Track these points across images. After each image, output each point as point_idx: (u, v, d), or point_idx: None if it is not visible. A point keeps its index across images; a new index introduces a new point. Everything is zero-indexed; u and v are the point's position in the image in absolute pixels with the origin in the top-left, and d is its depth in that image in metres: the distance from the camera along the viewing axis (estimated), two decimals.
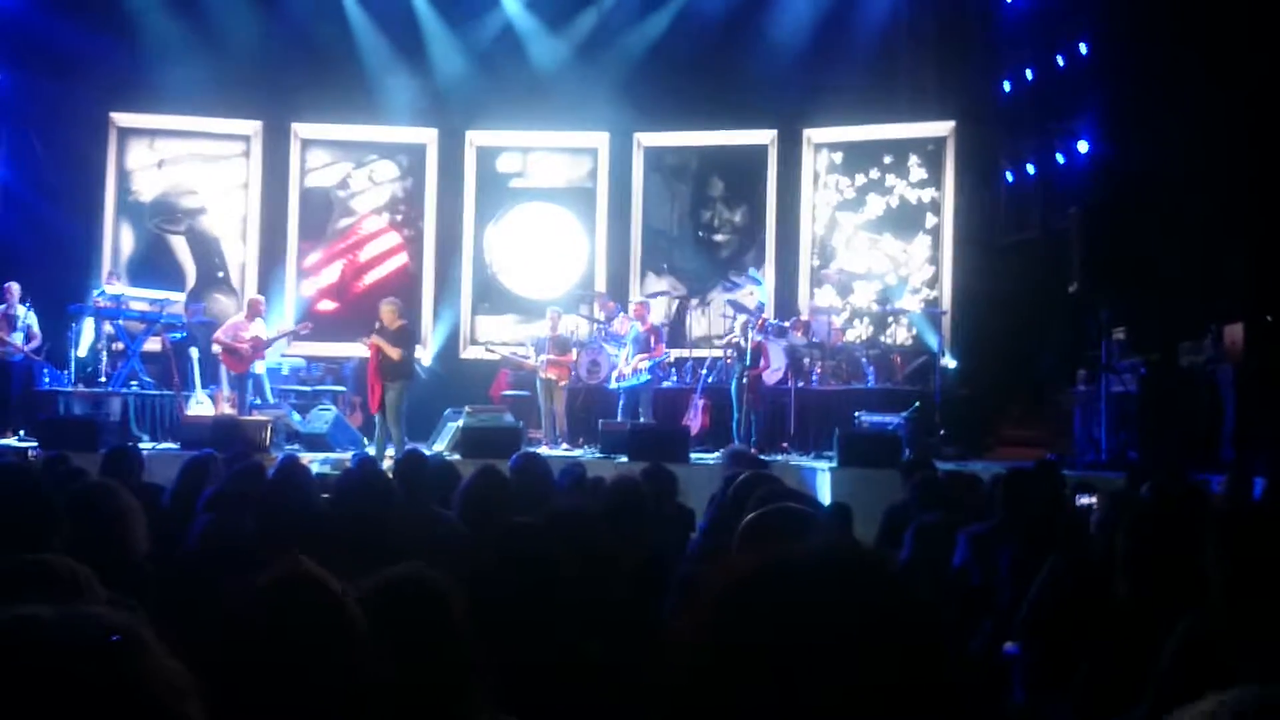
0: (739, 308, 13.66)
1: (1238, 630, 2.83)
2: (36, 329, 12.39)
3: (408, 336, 11.79)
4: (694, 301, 15.63)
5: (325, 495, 5.87)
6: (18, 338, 12.21)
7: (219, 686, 1.69)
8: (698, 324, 15.60)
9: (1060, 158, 12.97)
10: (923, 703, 0.94)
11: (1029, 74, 13.65)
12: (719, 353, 13.55)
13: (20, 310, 12.30)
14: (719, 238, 16.05)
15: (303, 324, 13.27)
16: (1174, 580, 3.35)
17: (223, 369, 12.72)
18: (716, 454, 11.60)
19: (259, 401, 12.78)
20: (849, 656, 0.93)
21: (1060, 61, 12.98)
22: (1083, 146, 12.46)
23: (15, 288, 12.32)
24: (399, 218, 16.34)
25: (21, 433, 11.71)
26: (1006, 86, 14.08)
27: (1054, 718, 3.89)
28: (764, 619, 0.96)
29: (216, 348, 12.51)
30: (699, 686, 0.95)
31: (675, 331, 15.12)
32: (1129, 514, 3.70)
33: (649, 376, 12.77)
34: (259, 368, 12.75)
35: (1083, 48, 12.59)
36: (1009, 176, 14.03)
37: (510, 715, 1.94)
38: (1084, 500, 6.20)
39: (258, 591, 1.80)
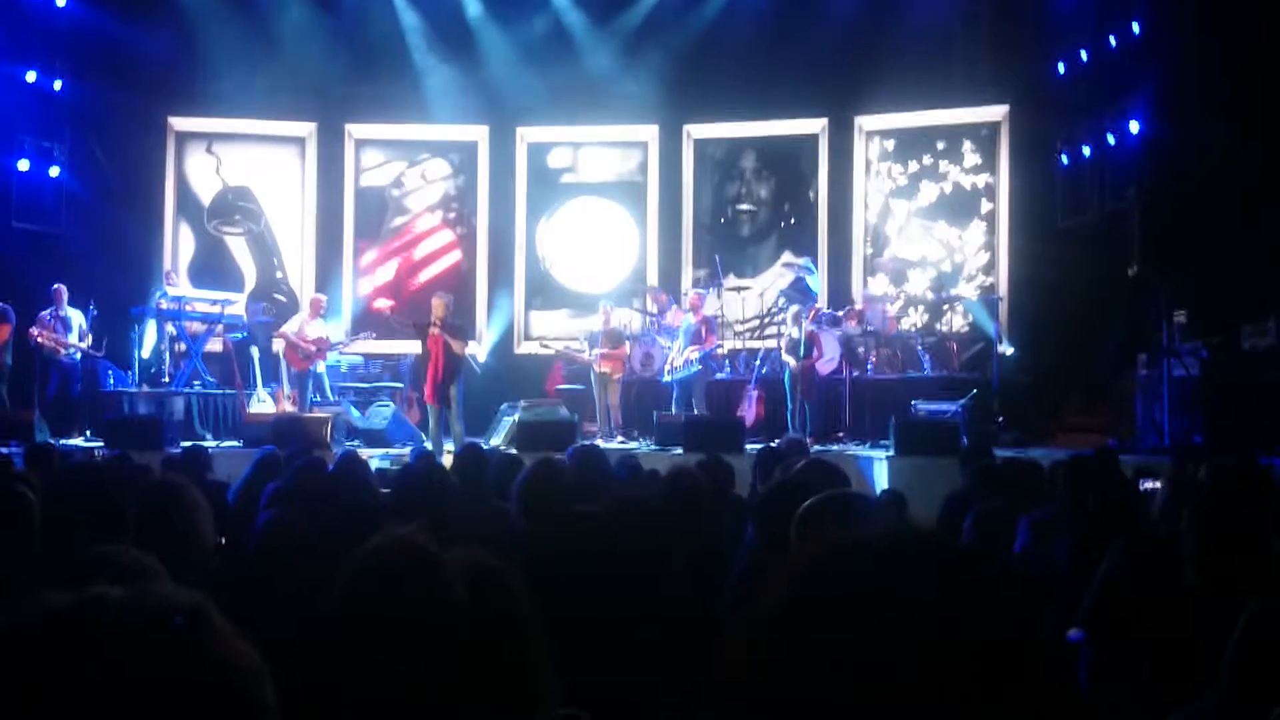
0: (791, 298, 13.60)
1: None
2: (87, 329, 12.66)
3: (463, 330, 11.92)
4: (743, 291, 15.57)
5: (385, 490, 5.95)
6: (73, 338, 12.50)
7: (314, 665, 1.72)
8: (745, 311, 15.54)
9: (1113, 139, 12.76)
10: (1009, 683, 0.94)
11: (1083, 55, 13.45)
12: (772, 344, 13.51)
13: (70, 312, 12.58)
14: (769, 228, 15.99)
15: (368, 334, 13.50)
16: (1242, 565, 3.30)
17: (284, 367, 12.90)
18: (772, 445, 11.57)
19: (319, 399, 12.94)
20: (927, 638, 0.93)
21: (1113, 42, 12.78)
22: (1135, 127, 12.25)
23: (64, 290, 12.59)
24: (452, 215, 16.47)
25: (88, 433, 11.97)
26: (1060, 68, 13.87)
27: (1119, 706, 3.84)
28: (839, 605, 0.96)
29: (280, 344, 12.70)
30: (773, 677, 0.95)
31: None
32: (1194, 498, 3.65)
33: (699, 367, 12.76)
34: (320, 366, 12.92)
35: (1135, 27, 12.38)
36: (1064, 159, 13.82)
37: (571, 708, 1.95)
38: (1147, 485, 6.11)
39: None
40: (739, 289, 15.43)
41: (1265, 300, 10.54)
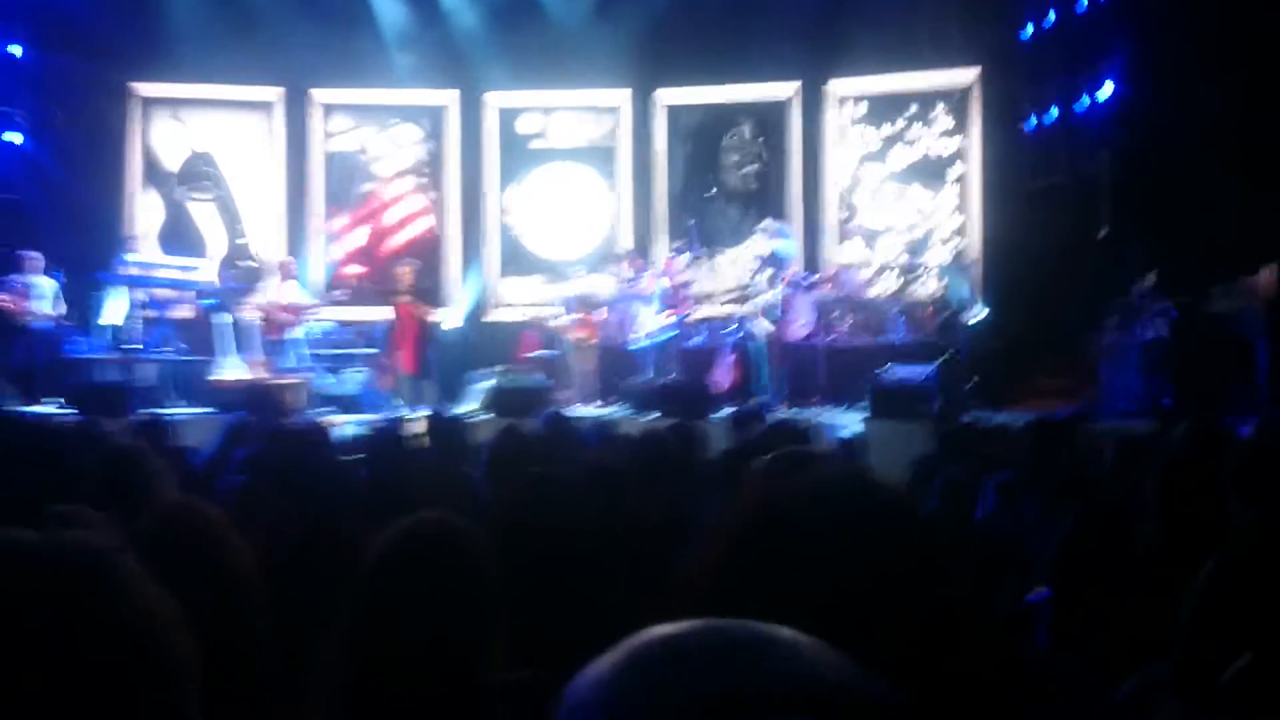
0: (765, 262, 13.62)
1: (1262, 575, 2.82)
2: (59, 296, 12.57)
3: (432, 296, 11.89)
4: (718, 256, 15.56)
5: (359, 456, 5.95)
6: (45, 305, 12.38)
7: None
8: (721, 278, 15.53)
9: (1084, 100, 12.78)
10: (940, 625, 0.94)
11: (1052, 16, 13.44)
12: (747, 309, 13.51)
13: (40, 280, 12.46)
14: (742, 192, 15.95)
15: (341, 293, 13.44)
16: (1203, 527, 3.33)
17: (257, 333, 12.84)
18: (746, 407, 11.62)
19: (294, 365, 12.91)
20: (870, 584, 0.93)
21: (1084, 3, 12.77)
22: (1106, 89, 12.27)
23: (33, 256, 12.47)
24: (423, 181, 16.34)
25: (62, 400, 11.87)
26: (1029, 30, 13.87)
27: (1077, 666, 3.89)
28: (775, 546, 0.96)
29: (256, 314, 12.64)
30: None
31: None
32: (1156, 460, 3.68)
33: (675, 331, 12.77)
34: (298, 332, 12.87)
35: None
36: (1034, 121, 13.84)
37: (527, 668, 1.96)
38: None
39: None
40: (714, 254, 15.43)
41: (1234, 263, 10.62)
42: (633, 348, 13.07)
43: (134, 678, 0.90)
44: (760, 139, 15.83)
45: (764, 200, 15.79)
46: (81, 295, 12.92)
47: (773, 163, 15.78)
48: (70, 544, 0.94)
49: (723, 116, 15.93)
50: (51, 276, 12.57)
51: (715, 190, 15.98)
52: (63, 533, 0.98)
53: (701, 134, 16.01)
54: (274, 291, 12.71)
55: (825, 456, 2.82)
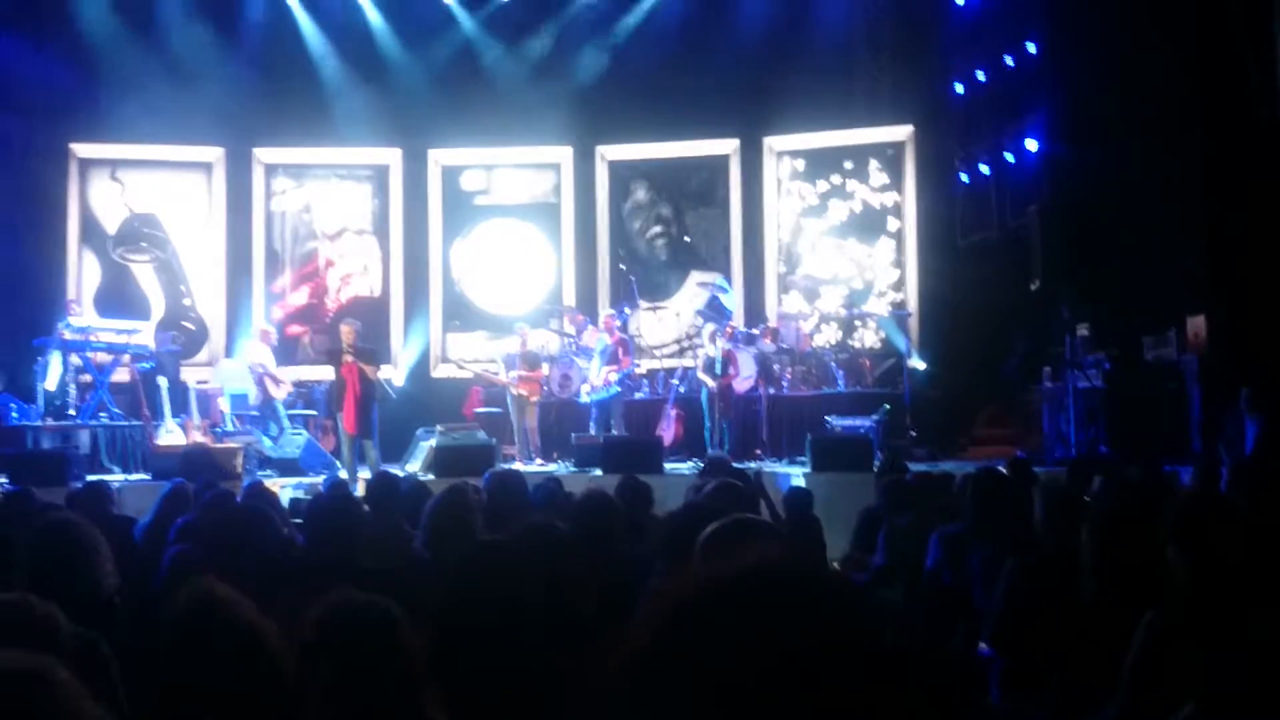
0: (707, 316, 13.71)
1: (1202, 623, 2.87)
2: None
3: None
4: (657, 310, 15.66)
5: (297, 520, 5.85)
6: None
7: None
8: (660, 331, 15.62)
9: (1011, 158, 13.09)
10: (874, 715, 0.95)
11: (980, 76, 13.79)
12: (689, 362, 13.58)
13: None
14: (680, 248, 16.09)
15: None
16: (1140, 577, 3.39)
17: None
18: (690, 463, 11.63)
19: (233, 429, 12.76)
20: (795, 672, 0.94)
21: (1010, 62, 13.11)
22: (1032, 145, 12.58)
23: None
24: (365, 239, 16.30)
25: None
26: (959, 89, 14.21)
27: (1030, 718, 3.92)
28: (708, 634, 0.97)
29: (253, 377, 12.77)
30: (647, 701, 0.96)
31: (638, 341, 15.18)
32: (1089, 514, 3.74)
33: (619, 389, 12.79)
34: (280, 395, 12.94)
35: (1031, 47, 12.71)
36: (964, 178, 14.15)
37: None
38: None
39: (173, 617, 1.80)
40: (655, 308, 15.52)
41: (1164, 312, 10.87)
42: (578, 401, 13.07)
43: None
44: (701, 194, 15.99)
45: (705, 254, 15.95)
46: (20, 360, 12.67)
47: (713, 217, 15.94)
48: (4, 665, 0.93)
49: (662, 172, 16.10)
50: None
51: (656, 245, 16.09)
52: None
53: (642, 190, 16.15)
54: (263, 356, 12.76)
55: (768, 529, 2.83)
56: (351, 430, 11.31)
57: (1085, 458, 9.19)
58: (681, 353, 14.77)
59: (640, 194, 16.10)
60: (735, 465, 9.15)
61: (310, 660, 1.80)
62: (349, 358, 11.30)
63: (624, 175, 16.15)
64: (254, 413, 13.08)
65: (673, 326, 15.02)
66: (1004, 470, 6.19)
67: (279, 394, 12.88)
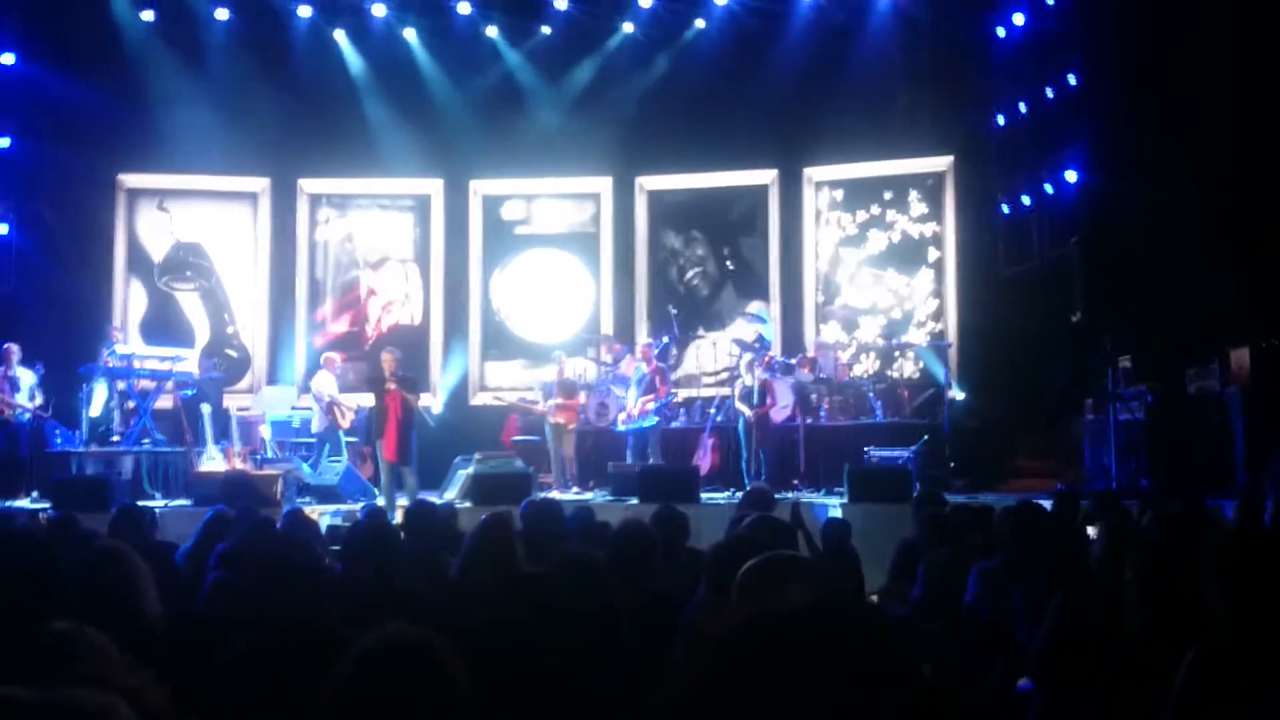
0: (744, 346, 13.71)
1: (1244, 662, 2.82)
2: (37, 388, 12.50)
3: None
4: (696, 340, 15.67)
5: (335, 548, 5.90)
6: (21, 398, 12.33)
7: None
8: (700, 361, 15.63)
9: (1051, 189, 13.03)
10: None
11: (1022, 107, 13.76)
12: (727, 392, 13.56)
13: (20, 371, 12.41)
14: (717, 279, 16.12)
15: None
16: (1184, 613, 3.34)
17: (233, 423, 12.83)
18: (727, 493, 11.60)
19: (273, 455, 12.88)
20: (833, 712, 0.95)
21: (1050, 93, 13.09)
22: (1072, 177, 12.52)
23: (15, 349, 12.43)
24: (406, 268, 16.46)
25: (35, 494, 11.76)
26: (1000, 120, 14.18)
27: None
28: (751, 673, 0.98)
29: (320, 406, 12.79)
30: None
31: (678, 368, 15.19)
32: (1135, 549, 3.70)
33: (656, 419, 12.80)
34: (344, 423, 12.97)
35: (1071, 79, 12.68)
36: (1005, 209, 14.10)
37: None
38: (1092, 531, 6.17)
39: (357, 658, 1.81)
40: (695, 339, 15.54)
41: (1206, 344, 10.75)
42: (615, 430, 13.08)
43: None
44: (740, 224, 16.03)
45: (744, 284, 15.97)
46: (67, 387, 12.87)
47: (752, 248, 15.96)
48: (68, 706, 0.95)
49: (701, 201, 16.15)
50: (30, 368, 12.53)
51: (696, 275, 16.14)
52: (60, 691, 0.98)
53: (681, 220, 16.22)
54: (330, 385, 12.84)
55: (804, 565, 2.83)
56: (392, 458, 11.38)
57: (1149, 492, 9.10)
58: (721, 383, 14.78)
59: (675, 240, 16.16)
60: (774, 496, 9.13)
61: (350, 694, 1.81)
62: (391, 385, 11.41)
63: (660, 218, 16.20)
64: (311, 439, 13.18)
65: (711, 356, 15.08)
66: (1045, 504, 6.14)
67: (344, 423, 12.89)
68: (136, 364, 12.93)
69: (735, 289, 15.98)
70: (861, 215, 15.42)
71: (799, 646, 0.98)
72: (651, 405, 12.76)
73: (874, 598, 6.40)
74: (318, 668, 2.17)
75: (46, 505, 10.55)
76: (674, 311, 15.09)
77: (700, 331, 15.66)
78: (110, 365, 12.78)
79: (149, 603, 3.34)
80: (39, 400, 12.48)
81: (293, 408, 14.20)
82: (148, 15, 14.88)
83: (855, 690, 0.95)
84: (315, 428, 13.02)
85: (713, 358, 15.12)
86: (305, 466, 12.66)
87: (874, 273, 15.33)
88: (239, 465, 12.16)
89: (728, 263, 16.06)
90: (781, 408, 12.68)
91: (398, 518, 8.95)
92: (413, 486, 11.35)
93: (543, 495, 9.97)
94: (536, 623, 2.51)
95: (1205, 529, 4.77)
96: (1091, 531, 6.18)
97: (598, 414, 13.27)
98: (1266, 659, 2.79)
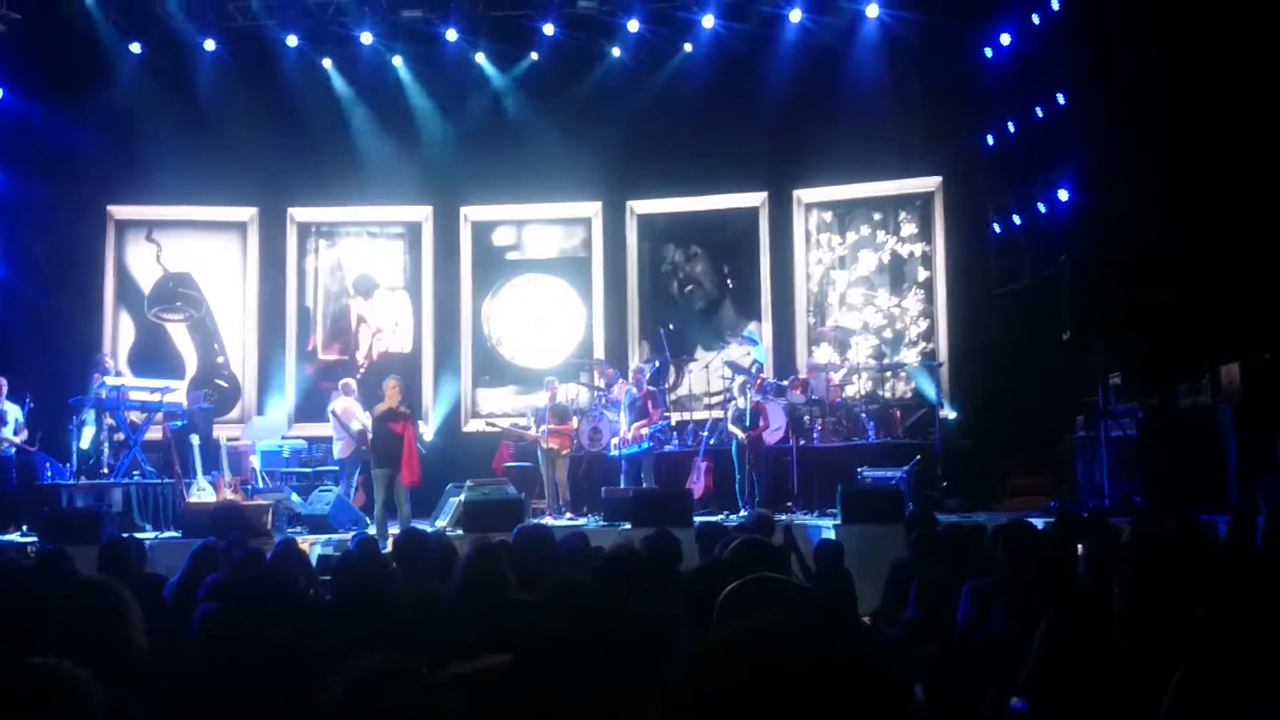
0: (736, 369, 13.71)
1: (1233, 681, 2.82)
2: (23, 422, 12.45)
3: (410, 412, 12.00)
4: (688, 363, 15.69)
5: (325, 578, 5.87)
6: (7, 432, 12.27)
7: None
8: (692, 385, 15.65)
9: (1043, 208, 13.09)
10: None
11: (1010, 127, 13.84)
12: (719, 414, 13.56)
13: (7, 406, 12.36)
14: (713, 299, 16.14)
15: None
16: (1172, 630, 3.34)
17: (223, 454, 12.76)
18: (720, 516, 11.58)
19: (263, 485, 12.83)
20: None
21: (1039, 113, 13.16)
22: (1063, 195, 12.58)
23: (2, 383, 12.37)
24: (397, 295, 16.46)
25: (24, 527, 11.70)
26: (990, 140, 14.25)
27: None
28: (723, 693, 0.98)
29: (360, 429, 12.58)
30: None
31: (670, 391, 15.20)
32: (1123, 566, 3.70)
33: (650, 444, 12.79)
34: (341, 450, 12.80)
35: (1060, 98, 12.75)
36: (996, 228, 14.15)
37: None
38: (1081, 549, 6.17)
39: (347, 686, 1.79)
40: (686, 361, 15.55)
41: (1197, 361, 10.77)
42: (609, 454, 13.06)
43: None
44: (731, 247, 16.07)
45: (734, 307, 16.00)
46: (55, 419, 12.82)
47: (743, 270, 16.00)
48: None
49: (691, 225, 16.19)
50: (17, 403, 12.47)
51: (687, 298, 16.16)
52: None
53: (670, 243, 16.25)
54: (357, 411, 12.74)
55: (786, 588, 2.82)
56: (416, 481, 11.53)
57: (1143, 508, 9.09)
58: (713, 405, 14.78)
59: (676, 254, 16.20)
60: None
61: None
62: (404, 410, 11.56)
63: (657, 235, 16.25)
64: (304, 469, 13.10)
65: (704, 380, 15.11)
66: (1038, 522, 6.14)
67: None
68: (126, 396, 12.89)
69: (734, 307, 16.00)
70: (852, 236, 15.47)
71: (771, 667, 0.98)
72: (645, 431, 12.75)
73: (867, 619, 6.38)
74: (306, 698, 2.16)
75: (34, 539, 10.49)
76: (668, 329, 15.11)
77: (696, 354, 15.67)
78: (100, 397, 12.74)
79: (136, 635, 3.32)
80: (24, 435, 12.43)
81: (282, 437, 14.17)
82: (135, 47, 14.93)
83: (828, 709, 0.95)
84: (338, 453, 12.89)
85: (704, 381, 15.14)
86: (295, 496, 12.61)
87: (865, 293, 15.38)
88: (229, 496, 12.11)
89: (728, 280, 16.10)
90: (774, 430, 12.68)
91: (388, 547, 8.93)
92: (405, 515, 11.37)
93: (534, 521, 9.95)
94: (526, 650, 2.50)
95: (1194, 546, 4.77)
96: (1080, 549, 6.18)
97: (590, 439, 13.25)
98: (1256, 677, 2.79)
